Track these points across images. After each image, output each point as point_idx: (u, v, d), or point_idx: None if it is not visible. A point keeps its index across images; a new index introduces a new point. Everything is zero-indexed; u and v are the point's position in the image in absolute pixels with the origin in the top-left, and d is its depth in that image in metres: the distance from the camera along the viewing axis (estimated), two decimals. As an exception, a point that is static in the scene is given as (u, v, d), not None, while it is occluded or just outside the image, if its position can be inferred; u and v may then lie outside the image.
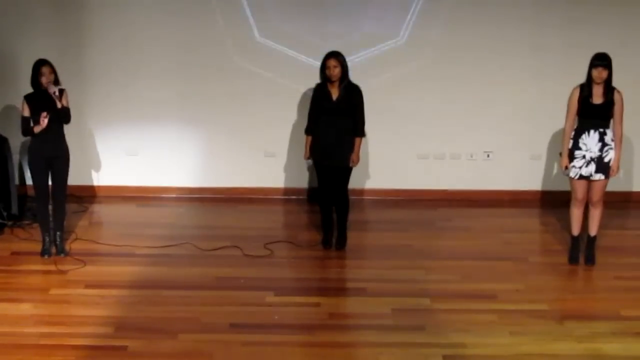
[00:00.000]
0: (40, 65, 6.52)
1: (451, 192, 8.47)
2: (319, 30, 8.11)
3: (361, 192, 8.42)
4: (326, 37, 8.02)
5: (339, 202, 7.01)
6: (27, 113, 6.59)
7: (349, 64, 6.83)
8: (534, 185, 8.48)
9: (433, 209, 8.18)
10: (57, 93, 6.51)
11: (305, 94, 8.04)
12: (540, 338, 5.52)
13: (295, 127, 8.22)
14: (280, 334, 5.55)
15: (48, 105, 6.53)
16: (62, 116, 6.58)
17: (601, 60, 6.43)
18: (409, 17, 8.12)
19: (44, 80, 6.50)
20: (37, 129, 6.54)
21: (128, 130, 8.32)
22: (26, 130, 6.60)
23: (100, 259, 6.76)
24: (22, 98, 6.66)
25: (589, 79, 6.49)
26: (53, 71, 6.54)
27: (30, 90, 6.62)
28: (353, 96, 6.82)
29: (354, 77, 6.94)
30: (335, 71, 6.73)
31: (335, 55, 6.75)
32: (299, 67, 8.13)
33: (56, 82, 6.57)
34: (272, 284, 6.33)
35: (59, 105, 6.53)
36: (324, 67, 6.76)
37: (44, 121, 6.48)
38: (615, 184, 7.67)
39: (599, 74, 6.43)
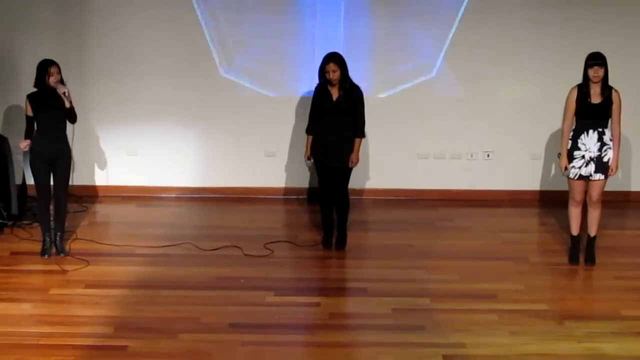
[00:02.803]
0: (48, 65, 6.52)
1: (451, 192, 8.47)
2: (319, 28, 8.11)
3: (361, 192, 8.42)
4: (326, 35, 8.02)
5: (339, 202, 7.01)
6: (30, 112, 6.61)
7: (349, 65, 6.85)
8: (533, 185, 8.48)
9: (433, 209, 8.18)
10: (67, 93, 6.52)
11: (306, 93, 8.04)
12: (540, 338, 5.53)
13: (295, 126, 8.22)
14: (280, 334, 5.56)
15: (51, 105, 6.54)
16: (70, 116, 6.60)
17: (596, 59, 6.43)
18: (408, 16, 8.13)
19: (52, 80, 6.51)
20: (22, 145, 6.59)
21: (128, 130, 8.32)
22: (29, 130, 6.62)
23: (100, 259, 6.76)
24: (23, 98, 6.67)
25: (586, 79, 6.49)
26: (60, 71, 6.56)
27: (32, 89, 6.62)
28: (353, 97, 6.82)
29: (353, 75, 6.95)
30: (334, 75, 6.71)
31: (333, 59, 6.71)
32: (300, 66, 8.12)
33: (61, 82, 6.58)
34: (272, 284, 6.34)
35: (67, 105, 6.55)
36: (322, 71, 6.75)
37: (25, 146, 6.58)
38: (614, 184, 7.68)
39: (595, 72, 6.43)
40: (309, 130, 6.98)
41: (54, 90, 6.54)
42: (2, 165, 7.53)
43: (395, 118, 8.30)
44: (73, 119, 6.65)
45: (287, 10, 8.08)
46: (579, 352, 5.36)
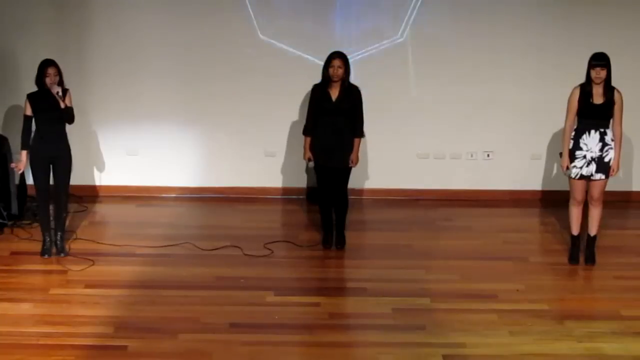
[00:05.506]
0: (46, 65, 6.53)
1: (451, 192, 8.46)
2: (319, 30, 8.11)
3: (361, 192, 8.42)
4: (326, 36, 8.03)
5: (338, 202, 7.01)
6: (29, 112, 6.62)
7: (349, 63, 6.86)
8: (534, 185, 8.48)
9: (433, 209, 8.18)
10: (60, 93, 6.53)
11: (305, 93, 8.03)
12: (540, 338, 5.53)
13: (295, 126, 8.21)
14: (280, 334, 5.56)
15: (51, 105, 6.55)
16: (66, 116, 6.61)
17: (599, 60, 6.43)
18: (408, 15, 8.12)
19: (48, 81, 6.51)
20: (17, 166, 6.72)
21: (128, 130, 8.31)
22: (26, 130, 6.62)
23: (100, 258, 6.75)
24: (22, 98, 6.68)
25: (588, 79, 6.49)
26: (58, 73, 6.57)
27: (32, 89, 6.63)
28: (353, 97, 6.83)
29: (353, 76, 6.95)
30: (339, 71, 6.74)
31: (340, 56, 6.77)
32: (300, 67, 8.13)
33: (60, 82, 6.59)
34: (272, 284, 6.34)
35: (62, 105, 6.55)
36: (327, 66, 6.77)
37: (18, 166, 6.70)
38: (615, 184, 7.67)
39: (597, 74, 6.43)
40: (306, 132, 6.97)
41: None
42: (2, 165, 7.53)
43: (395, 118, 8.30)
44: (70, 120, 6.65)
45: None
46: (579, 352, 5.36)
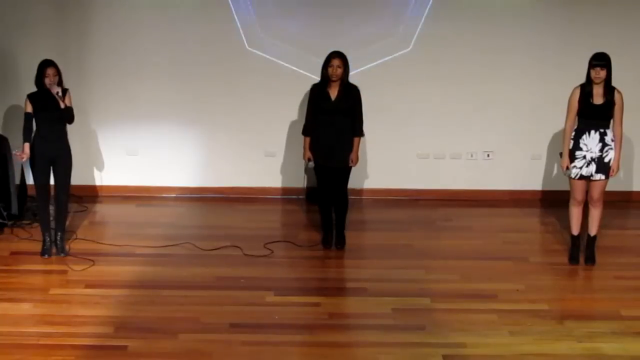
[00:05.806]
0: (45, 66, 6.53)
1: (451, 192, 8.47)
2: (319, 30, 8.11)
3: (361, 192, 8.42)
4: (326, 36, 8.02)
5: (338, 202, 7.01)
6: (29, 109, 6.64)
7: (349, 63, 6.85)
8: (534, 185, 8.48)
9: (433, 209, 8.18)
10: (59, 93, 6.53)
11: (305, 93, 8.04)
12: (540, 338, 5.53)
13: (295, 126, 8.22)
14: (280, 334, 5.56)
15: (51, 105, 6.55)
16: (66, 116, 6.61)
17: (599, 61, 6.42)
18: (409, 17, 8.12)
19: (47, 82, 6.52)
20: (19, 155, 6.66)
21: (128, 130, 8.31)
22: (27, 128, 6.62)
23: (100, 258, 6.75)
24: (22, 98, 6.69)
25: (589, 79, 6.49)
26: (58, 73, 6.57)
27: (32, 89, 6.64)
28: (352, 96, 6.83)
29: (354, 76, 6.94)
30: (338, 71, 6.74)
31: (339, 55, 6.77)
32: (299, 67, 8.13)
33: (60, 83, 6.59)
34: (272, 284, 6.34)
35: (62, 105, 6.56)
36: (326, 65, 6.77)
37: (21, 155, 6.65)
38: (616, 184, 7.67)
39: (597, 74, 6.43)
40: (306, 132, 6.97)
41: None
42: (2, 165, 7.53)
43: (395, 118, 8.30)
44: (70, 120, 6.66)
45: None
46: (578, 352, 5.36)
